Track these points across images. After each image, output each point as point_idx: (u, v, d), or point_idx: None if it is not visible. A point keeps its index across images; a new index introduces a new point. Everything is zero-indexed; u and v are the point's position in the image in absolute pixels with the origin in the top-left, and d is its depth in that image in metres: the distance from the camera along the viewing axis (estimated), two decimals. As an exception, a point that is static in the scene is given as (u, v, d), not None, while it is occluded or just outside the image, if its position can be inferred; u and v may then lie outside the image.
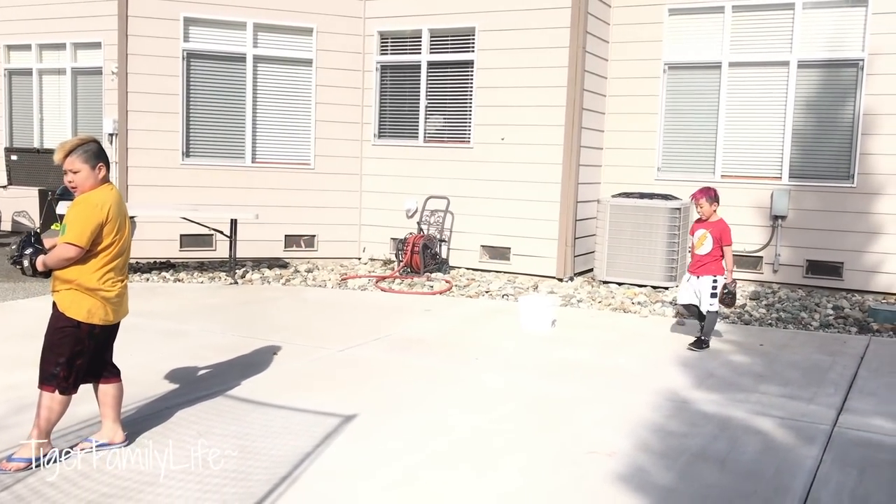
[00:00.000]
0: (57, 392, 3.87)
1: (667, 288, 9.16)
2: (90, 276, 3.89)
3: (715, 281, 6.62)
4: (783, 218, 9.59)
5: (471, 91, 10.23)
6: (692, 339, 6.80)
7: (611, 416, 4.84)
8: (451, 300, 8.65)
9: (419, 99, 10.58)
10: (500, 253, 10.18)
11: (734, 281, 6.72)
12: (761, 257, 9.75)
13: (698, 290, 6.70)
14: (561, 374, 5.81)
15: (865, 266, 9.29)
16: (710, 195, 6.71)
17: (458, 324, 7.43)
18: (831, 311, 8.29)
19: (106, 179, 4.00)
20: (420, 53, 10.50)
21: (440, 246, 10.20)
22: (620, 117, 10.51)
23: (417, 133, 10.63)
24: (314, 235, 10.75)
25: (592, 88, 10.06)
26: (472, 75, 10.20)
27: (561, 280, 9.76)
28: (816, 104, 9.54)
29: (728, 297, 6.63)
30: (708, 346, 6.67)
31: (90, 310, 3.90)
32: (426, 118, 10.59)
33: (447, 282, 9.45)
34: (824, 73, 9.50)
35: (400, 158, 10.71)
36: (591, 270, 10.03)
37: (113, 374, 4.16)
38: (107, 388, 4.11)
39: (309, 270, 10.08)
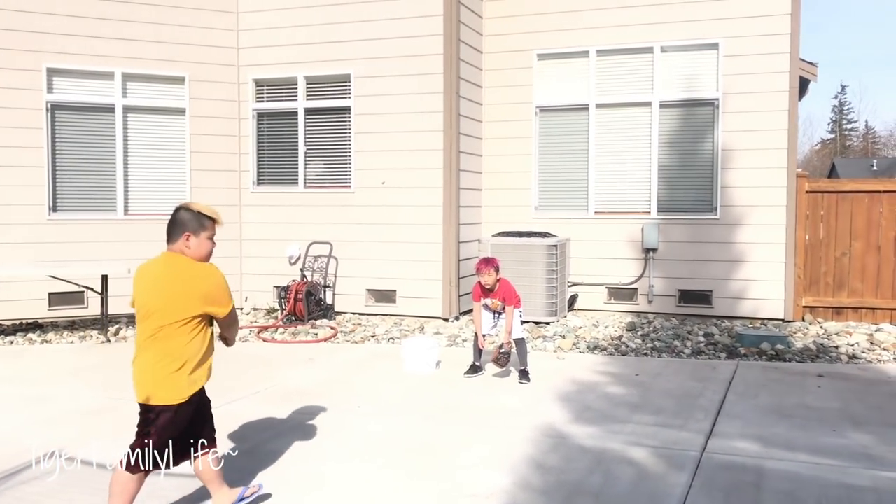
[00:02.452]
0: None
1: (548, 323, 9.36)
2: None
3: (521, 312, 6.99)
4: (654, 250, 10.01)
5: (350, 136, 10.26)
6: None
7: (492, 455, 4.87)
8: (336, 347, 8.55)
9: (298, 145, 10.52)
10: (385, 296, 10.16)
11: (510, 343, 6.82)
12: (636, 289, 10.13)
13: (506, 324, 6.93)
14: (444, 415, 5.81)
15: (732, 293, 9.80)
16: (496, 265, 6.90)
17: (342, 371, 7.34)
18: (702, 339, 8.68)
19: None
20: (297, 100, 10.47)
21: (325, 292, 10.10)
22: (497, 159, 10.79)
23: (297, 179, 10.55)
24: (193, 287, 10.40)
25: (469, 132, 10.28)
26: (350, 121, 10.24)
27: (447, 320, 9.83)
28: (679, 141, 10.08)
29: (503, 357, 6.78)
30: (529, 379, 6.80)
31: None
32: (306, 164, 10.53)
33: (332, 328, 9.34)
34: (684, 112, 10.06)
35: (280, 205, 10.59)
36: (476, 309, 10.14)
37: None
38: None
39: (188, 324, 9.73)
